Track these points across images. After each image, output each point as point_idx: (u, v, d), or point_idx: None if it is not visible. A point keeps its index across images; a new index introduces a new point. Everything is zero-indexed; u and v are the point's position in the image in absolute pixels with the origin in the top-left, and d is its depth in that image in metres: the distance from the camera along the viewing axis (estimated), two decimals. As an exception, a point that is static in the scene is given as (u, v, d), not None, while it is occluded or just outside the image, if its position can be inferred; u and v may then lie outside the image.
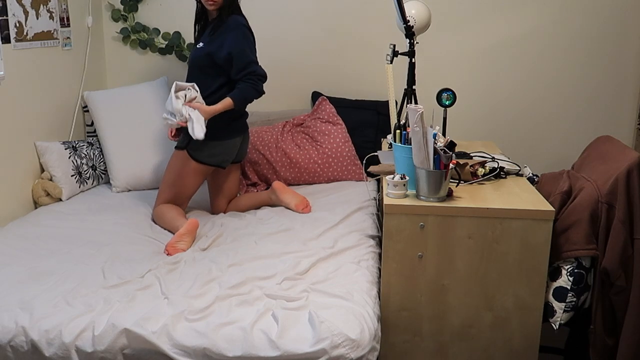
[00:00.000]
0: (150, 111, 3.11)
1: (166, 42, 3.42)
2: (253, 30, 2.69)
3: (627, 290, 2.02)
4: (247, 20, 2.67)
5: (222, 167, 2.74)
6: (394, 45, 2.69)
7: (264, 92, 2.65)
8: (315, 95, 3.40)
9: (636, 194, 2.01)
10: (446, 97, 2.48)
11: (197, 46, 2.67)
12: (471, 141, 2.98)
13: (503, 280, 2.05)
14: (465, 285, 2.07)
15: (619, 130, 3.27)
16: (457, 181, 2.22)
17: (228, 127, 2.67)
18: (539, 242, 2.01)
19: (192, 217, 2.57)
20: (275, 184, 2.81)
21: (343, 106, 3.31)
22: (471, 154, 2.57)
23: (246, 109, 2.76)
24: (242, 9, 2.71)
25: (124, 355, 1.75)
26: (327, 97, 3.35)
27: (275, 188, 2.79)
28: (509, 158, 2.57)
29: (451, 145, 2.06)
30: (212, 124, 2.56)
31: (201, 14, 2.75)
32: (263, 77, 2.63)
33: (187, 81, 2.64)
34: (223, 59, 2.58)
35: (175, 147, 2.71)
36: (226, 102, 2.57)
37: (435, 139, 2.00)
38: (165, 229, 2.56)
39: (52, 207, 2.74)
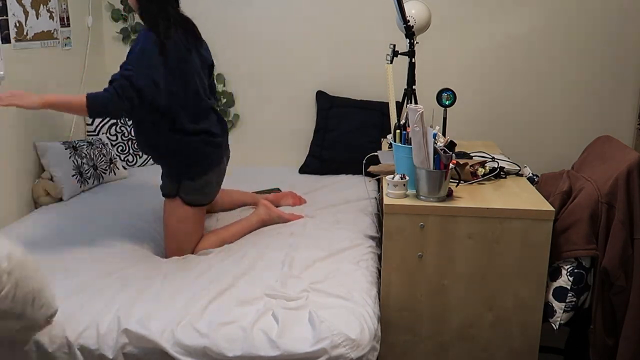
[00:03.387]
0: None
1: (166, 42, 3.42)
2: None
3: (627, 290, 2.02)
4: (164, 33, 2.22)
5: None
6: (394, 45, 2.69)
7: (130, 103, 2.11)
8: (320, 95, 3.40)
9: (636, 194, 2.01)
10: (446, 97, 2.48)
11: None
12: (471, 141, 2.98)
13: (503, 280, 2.06)
14: (465, 285, 2.07)
15: (619, 130, 3.27)
16: (457, 181, 2.22)
17: (211, 151, 2.39)
18: (539, 242, 2.01)
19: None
20: (262, 202, 2.64)
21: (348, 106, 3.31)
22: (471, 154, 2.57)
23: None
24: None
25: (125, 354, 1.75)
26: (332, 96, 3.35)
27: (268, 203, 2.65)
28: (509, 158, 2.57)
29: (451, 145, 2.07)
30: (194, 158, 2.33)
31: None
32: (137, 90, 2.11)
33: None
34: None
35: (164, 195, 2.43)
36: (76, 98, 2.10)
37: (435, 139, 2.00)
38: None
39: (52, 207, 2.74)
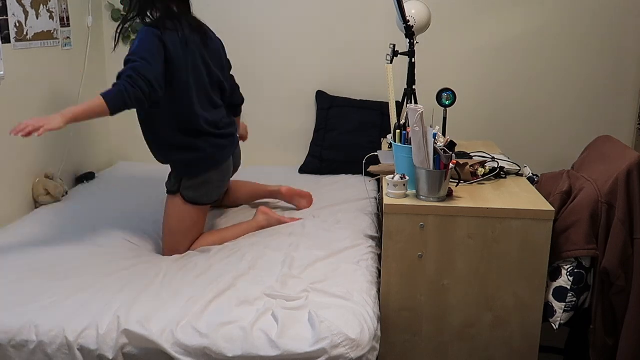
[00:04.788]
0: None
1: (166, 42, 3.42)
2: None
3: (627, 290, 2.02)
4: (160, 28, 2.25)
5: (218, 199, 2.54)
6: (394, 45, 2.69)
7: (143, 94, 2.12)
8: (320, 95, 3.40)
9: (636, 194, 2.01)
10: (446, 97, 2.48)
11: None
12: (471, 141, 2.98)
13: (503, 280, 2.06)
14: (465, 285, 2.07)
15: (619, 130, 3.27)
16: (457, 181, 2.23)
17: (214, 151, 2.40)
18: (539, 242, 2.01)
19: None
20: (283, 190, 2.72)
21: (348, 106, 3.31)
22: (471, 154, 2.57)
23: (233, 118, 2.55)
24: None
25: (124, 355, 1.75)
26: (332, 96, 3.35)
27: (284, 194, 2.72)
28: (509, 158, 2.57)
29: (451, 145, 2.07)
30: (195, 153, 2.34)
31: None
32: (146, 78, 2.12)
33: None
34: None
35: (167, 192, 2.45)
36: (94, 100, 2.07)
37: (435, 139, 2.00)
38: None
39: (52, 207, 2.75)
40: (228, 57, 2.61)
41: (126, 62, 2.17)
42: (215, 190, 2.45)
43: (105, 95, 2.07)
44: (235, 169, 2.61)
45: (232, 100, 2.61)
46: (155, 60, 2.17)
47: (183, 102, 2.30)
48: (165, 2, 2.32)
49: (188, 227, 2.39)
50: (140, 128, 2.43)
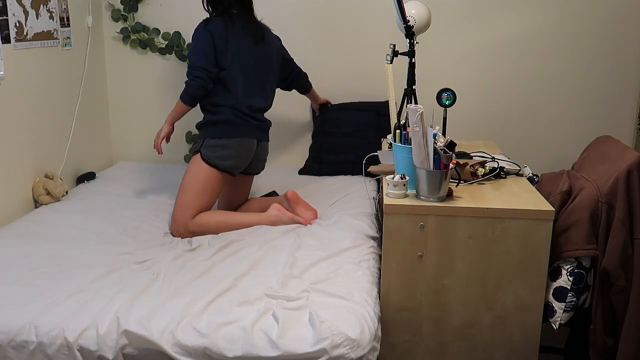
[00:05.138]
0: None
1: (166, 42, 3.42)
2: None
3: (627, 290, 2.02)
4: (210, 21, 2.64)
5: (231, 174, 2.66)
6: (394, 45, 2.69)
7: (199, 83, 2.56)
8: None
9: (636, 194, 2.01)
10: (446, 97, 2.48)
11: None
12: (471, 141, 2.98)
13: (503, 280, 2.06)
14: (465, 285, 2.07)
15: (619, 130, 3.27)
16: (457, 181, 2.23)
17: (240, 124, 2.63)
18: (539, 242, 2.01)
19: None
20: (289, 194, 2.66)
21: (343, 108, 3.32)
22: (471, 154, 2.57)
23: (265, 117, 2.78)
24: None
25: (124, 355, 1.75)
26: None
27: (289, 198, 2.65)
28: (509, 158, 2.57)
29: (451, 145, 2.07)
30: (222, 117, 2.60)
31: None
32: (200, 68, 2.55)
33: None
34: None
35: (193, 152, 2.72)
36: (177, 104, 2.63)
37: (435, 139, 2.00)
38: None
39: (52, 207, 2.74)
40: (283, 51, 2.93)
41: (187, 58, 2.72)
42: (231, 158, 2.62)
43: (182, 97, 2.59)
44: (260, 161, 2.81)
45: (299, 82, 3.05)
46: (205, 50, 2.56)
47: (225, 80, 2.61)
48: (224, 5, 2.67)
49: (201, 187, 2.58)
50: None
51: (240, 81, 2.63)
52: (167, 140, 2.68)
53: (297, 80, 3.04)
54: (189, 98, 2.59)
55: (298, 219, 2.55)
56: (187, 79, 2.58)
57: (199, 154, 2.62)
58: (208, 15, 2.71)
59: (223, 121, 2.61)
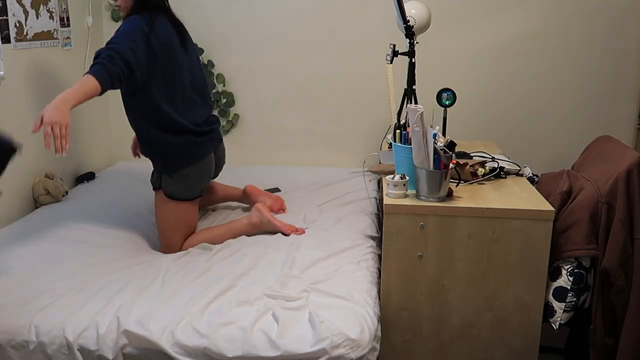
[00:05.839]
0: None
1: (166, 42, 3.42)
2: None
3: (627, 290, 2.02)
4: (150, 19, 2.29)
5: (201, 196, 2.52)
6: (394, 45, 2.69)
7: (122, 72, 2.14)
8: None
9: (636, 194, 2.01)
10: (446, 97, 2.48)
11: None
12: (471, 141, 2.98)
13: (503, 280, 2.06)
14: (465, 285, 2.07)
15: (619, 130, 3.27)
16: (457, 181, 2.23)
17: (196, 148, 2.41)
18: (539, 242, 2.01)
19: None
20: (247, 188, 2.72)
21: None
22: (471, 154, 2.57)
23: (217, 117, 2.61)
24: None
25: (124, 355, 1.75)
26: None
27: (248, 192, 2.70)
28: (509, 158, 2.57)
29: (451, 145, 2.07)
30: (171, 149, 2.36)
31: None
32: (122, 55, 2.13)
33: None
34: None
35: (153, 188, 2.51)
36: (83, 80, 2.07)
37: (435, 139, 2.00)
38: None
39: (52, 207, 2.74)
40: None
41: (107, 44, 2.18)
42: (195, 186, 2.45)
43: (95, 74, 2.07)
44: (219, 167, 2.62)
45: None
46: (137, 48, 2.19)
47: (157, 100, 2.30)
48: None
49: (175, 222, 2.42)
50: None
51: (175, 97, 2.35)
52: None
53: None
54: (107, 80, 2.11)
55: (277, 224, 2.45)
56: (101, 58, 2.12)
57: (161, 192, 2.43)
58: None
59: (174, 154, 2.38)
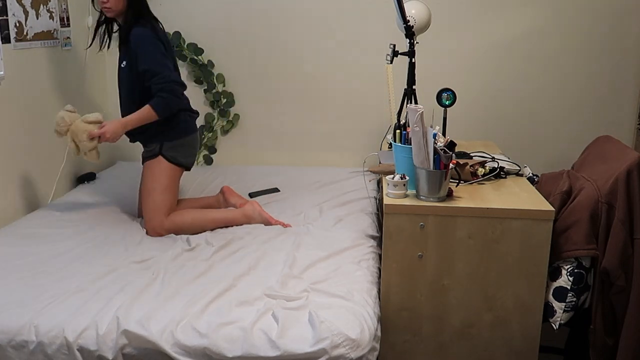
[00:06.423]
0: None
1: (166, 42, 3.42)
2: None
3: (627, 290, 2.02)
4: (153, 26, 2.58)
5: (188, 170, 2.74)
6: (394, 45, 2.69)
7: (182, 99, 2.60)
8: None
9: (636, 194, 2.01)
10: (446, 97, 2.48)
11: (121, 65, 2.64)
12: (471, 141, 2.99)
13: (503, 280, 2.06)
14: (465, 285, 2.07)
15: (619, 130, 3.27)
16: (457, 181, 2.23)
17: (190, 121, 2.69)
18: (539, 242, 2.01)
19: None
20: (224, 188, 2.81)
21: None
22: (471, 154, 2.57)
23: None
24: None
25: (124, 355, 1.75)
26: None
27: (224, 191, 2.79)
28: (509, 158, 2.57)
29: (451, 145, 2.07)
30: (175, 121, 2.60)
31: (104, 20, 2.72)
32: (179, 84, 2.56)
33: (120, 102, 2.67)
34: (142, 74, 2.52)
35: (146, 159, 2.68)
36: (144, 112, 2.49)
37: (435, 139, 2.00)
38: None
39: (52, 207, 2.74)
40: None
41: (150, 72, 2.48)
42: (191, 155, 2.72)
43: (157, 107, 2.49)
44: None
45: None
46: (167, 61, 2.55)
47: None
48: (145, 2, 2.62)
49: (167, 186, 2.60)
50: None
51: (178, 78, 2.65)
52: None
53: None
54: (168, 113, 2.54)
55: (270, 220, 2.56)
56: (167, 92, 2.50)
57: (159, 157, 2.61)
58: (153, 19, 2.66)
59: (179, 122, 2.63)
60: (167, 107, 2.52)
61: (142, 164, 2.72)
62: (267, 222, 2.57)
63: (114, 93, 3.55)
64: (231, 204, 2.74)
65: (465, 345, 2.13)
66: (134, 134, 2.65)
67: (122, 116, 2.60)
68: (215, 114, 3.48)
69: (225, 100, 3.46)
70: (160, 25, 2.66)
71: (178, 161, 2.64)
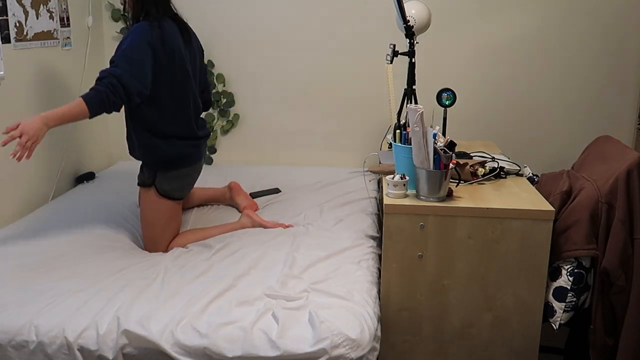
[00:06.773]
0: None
1: (166, 42, 3.42)
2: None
3: (627, 290, 2.02)
4: (158, 25, 2.29)
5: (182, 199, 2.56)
6: (394, 45, 2.69)
7: (126, 103, 2.24)
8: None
9: (636, 194, 2.01)
10: (446, 97, 2.48)
11: None
12: (471, 141, 2.99)
13: (503, 280, 2.06)
14: (465, 285, 2.07)
15: (619, 130, 3.27)
16: (457, 181, 2.23)
17: (194, 153, 2.48)
18: (539, 242, 2.01)
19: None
20: (231, 183, 2.79)
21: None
22: (471, 154, 2.57)
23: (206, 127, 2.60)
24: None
25: (124, 355, 1.75)
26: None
27: (231, 187, 2.77)
28: (509, 158, 2.57)
29: (451, 145, 2.07)
30: (172, 150, 2.39)
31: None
32: (131, 88, 2.19)
33: None
34: None
35: (139, 184, 2.53)
36: (73, 104, 2.13)
37: (435, 139, 2.01)
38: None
39: (52, 207, 2.74)
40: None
41: (111, 62, 2.21)
42: (187, 185, 2.53)
43: (88, 100, 2.13)
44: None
45: (205, 97, 2.67)
46: (141, 69, 2.23)
47: (169, 110, 2.37)
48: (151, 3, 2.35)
49: (164, 220, 2.45)
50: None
51: (184, 102, 2.40)
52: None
53: (204, 95, 2.69)
54: (100, 109, 2.18)
55: (267, 225, 2.53)
56: (101, 86, 2.16)
57: (153, 188, 2.44)
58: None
59: (175, 155, 2.42)
60: (100, 103, 2.14)
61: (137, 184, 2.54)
62: (263, 226, 2.54)
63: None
64: (236, 202, 2.72)
65: (465, 345, 2.13)
66: (133, 148, 2.49)
67: (125, 119, 2.45)
68: (215, 114, 3.48)
69: (225, 100, 3.46)
70: (186, 31, 2.41)
71: (172, 197, 2.46)
